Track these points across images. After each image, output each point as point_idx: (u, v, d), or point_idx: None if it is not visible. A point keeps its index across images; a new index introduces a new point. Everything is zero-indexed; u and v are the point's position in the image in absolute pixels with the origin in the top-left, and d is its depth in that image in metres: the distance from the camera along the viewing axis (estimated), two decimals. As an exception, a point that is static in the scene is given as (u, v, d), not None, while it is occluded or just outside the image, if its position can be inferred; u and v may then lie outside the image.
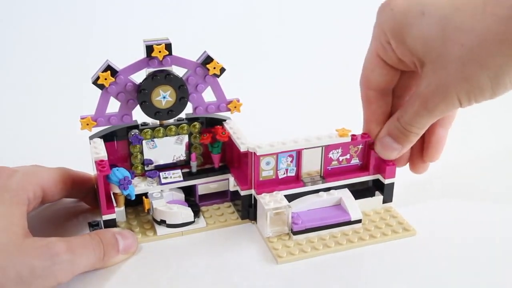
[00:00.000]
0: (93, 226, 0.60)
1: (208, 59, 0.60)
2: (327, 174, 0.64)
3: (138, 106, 0.60)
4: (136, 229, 0.62)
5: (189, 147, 0.65)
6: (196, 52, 0.62)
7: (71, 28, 1.08)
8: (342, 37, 1.14)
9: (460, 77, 0.50)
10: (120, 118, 0.61)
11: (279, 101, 0.95)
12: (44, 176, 0.58)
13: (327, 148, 0.63)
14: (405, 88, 0.62)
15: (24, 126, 0.87)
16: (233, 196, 0.66)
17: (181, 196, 0.64)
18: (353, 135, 0.63)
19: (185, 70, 0.61)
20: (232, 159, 0.65)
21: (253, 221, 0.64)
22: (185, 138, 0.64)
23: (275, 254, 0.58)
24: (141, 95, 0.59)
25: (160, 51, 0.57)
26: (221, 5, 1.16)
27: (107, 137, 0.61)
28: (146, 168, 0.64)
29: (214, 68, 0.61)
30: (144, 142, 0.63)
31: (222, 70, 0.61)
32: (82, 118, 0.60)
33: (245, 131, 0.63)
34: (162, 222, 0.61)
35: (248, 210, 0.63)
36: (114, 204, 0.60)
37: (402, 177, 0.66)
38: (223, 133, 0.63)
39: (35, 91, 0.96)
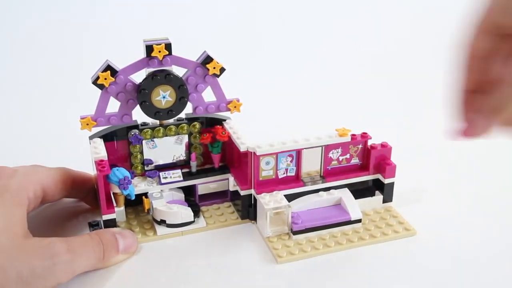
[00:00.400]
0: (93, 226, 0.60)
1: (208, 59, 0.60)
2: (327, 173, 0.64)
3: (138, 106, 0.60)
4: (136, 229, 0.62)
5: (189, 147, 0.65)
6: (196, 52, 0.62)
7: (71, 28, 1.08)
8: (342, 37, 1.14)
9: None
10: (120, 118, 0.61)
11: (279, 101, 0.95)
12: (44, 176, 0.58)
13: (327, 148, 0.63)
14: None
15: (24, 126, 0.87)
16: (233, 196, 0.66)
17: (181, 196, 0.64)
18: (353, 135, 0.63)
19: (185, 70, 0.61)
20: (232, 159, 0.65)
21: (253, 221, 0.64)
22: (185, 138, 0.64)
23: (275, 254, 0.58)
24: (141, 95, 0.59)
25: (160, 51, 0.57)
26: (221, 5, 1.16)
27: (107, 137, 0.62)
28: (146, 168, 0.64)
29: (214, 68, 0.61)
30: (144, 142, 0.63)
31: (222, 70, 0.61)
32: (82, 118, 0.60)
33: (245, 131, 0.63)
34: (162, 222, 0.61)
35: (248, 210, 0.63)
36: (114, 204, 0.60)
37: (402, 177, 0.66)
38: (223, 133, 0.63)
39: (35, 91, 0.96)
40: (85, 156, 0.62)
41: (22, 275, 0.48)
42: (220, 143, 0.64)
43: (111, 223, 0.59)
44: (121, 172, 0.58)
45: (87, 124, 0.60)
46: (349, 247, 0.60)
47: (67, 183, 0.60)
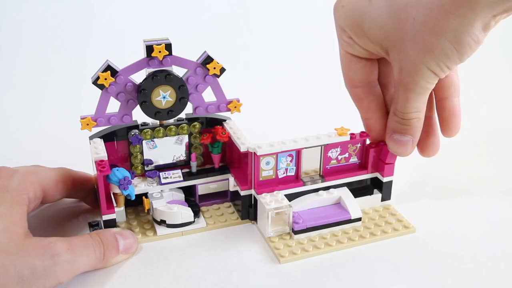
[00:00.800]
0: (93, 226, 0.60)
1: (208, 59, 0.60)
2: (327, 173, 0.65)
3: (138, 106, 0.60)
4: (136, 229, 0.62)
5: (189, 147, 0.65)
6: (196, 52, 0.62)
7: (71, 28, 1.08)
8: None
9: (423, 50, 0.50)
10: (120, 118, 0.61)
11: (279, 101, 0.95)
12: (45, 176, 0.58)
13: (326, 147, 0.63)
14: (388, 75, 0.62)
15: (24, 126, 0.87)
16: (233, 196, 0.66)
17: (181, 196, 0.64)
18: (351, 134, 0.63)
19: (185, 70, 0.61)
20: (232, 159, 0.65)
21: (253, 221, 0.64)
22: (185, 138, 0.64)
23: (277, 253, 0.58)
24: (141, 95, 0.59)
25: (160, 51, 0.58)
26: (221, 5, 1.16)
27: (107, 137, 0.62)
28: (146, 168, 0.64)
29: (214, 68, 0.61)
30: (144, 142, 0.63)
31: (222, 70, 0.61)
32: (82, 118, 0.60)
33: (245, 131, 0.63)
34: (162, 222, 0.61)
35: (248, 210, 0.63)
36: (114, 204, 0.60)
37: (400, 175, 0.66)
38: (223, 133, 0.63)
39: (35, 91, 0.96)
40: (85, 156, 0.62)
41: (22, 275, 0.48)
42: (220, 143, 0.64)
43: (111, 223, 0.59)
44: (121, 172, 0.58)
45: (87, 124, 0.60)
46: (350, 246, 0.60)
47: (67, 183, 0.60)
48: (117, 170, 0.58)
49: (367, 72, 0.60)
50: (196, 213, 0.63)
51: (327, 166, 0.64)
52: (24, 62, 1.02)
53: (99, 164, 0.57)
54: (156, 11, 1.13)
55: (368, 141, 0.65)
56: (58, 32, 1.07)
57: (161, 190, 0.63)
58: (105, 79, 0.58)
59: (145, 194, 0.63)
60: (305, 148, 0.62)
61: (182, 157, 0.65)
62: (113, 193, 0.60)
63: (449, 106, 0.60)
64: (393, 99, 0.59)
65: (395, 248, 0.60)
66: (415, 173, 0.74)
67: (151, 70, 0.59)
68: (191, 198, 0.65)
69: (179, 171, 0.64)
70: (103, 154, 0.58)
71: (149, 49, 0.57)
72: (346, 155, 0.64)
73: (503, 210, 0.66)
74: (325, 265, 0.57)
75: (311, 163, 0.64)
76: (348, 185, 0.65)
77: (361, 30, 0.54)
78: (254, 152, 0.60)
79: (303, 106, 0.94)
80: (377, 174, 0.66)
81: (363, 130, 0.64)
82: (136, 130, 0.62)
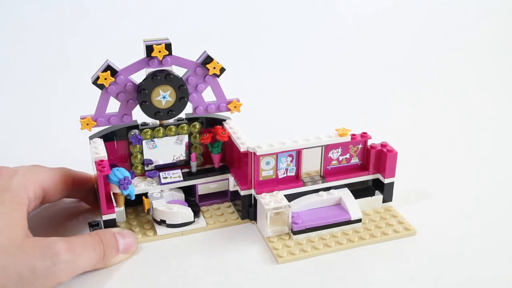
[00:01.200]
0: (93, 226, 0.60)
1: (208, 59, 0.60)
2: (327, 173, 0.64)
3: (138, 106, 0.60)
4: (136, 229, 0.62)
5: (189, 147, 0.65)
6: (196, 52, 0.62)
7: (71, 27, 1.08)
8: (342, 37, 1.14)
9: None
10: (120, 118, 0.61)
11: (279, 101, 0.95)
12: (45, 176, 0.58)
13: (327, 148, 0.63)
14: None
15: (24, 126, 0.87)
16: (233, 196, 0.66)
17: (181, 196, 0.64)
18: (353, 135, 0.63)
19: (185, 70, 0.61)
20: (232, 159, 0.65)
21: (253, 221, 0.64)
22: (185, 138, 0.64)
23: (275, 254, 0.58)
24: (141, 95, 0.59)
25: (160, 51, 0.58)
26: (221, 4, 1.16)
27: (107, 137, 0.62)
28: (146, 168, 0.64)
29: (214, 68, 0.61)
30: (144, 142, 0.63)
31: (222, 70, 0.61)
32: (82, 118, 0.60)
33: (245, 131, 0.63)
34: (162, 222, 0.61)
35: (248, 210, 0.63)
36: (114, 204, 0.60)
37: (402, 176, 0.66)
38: (223, 133, 0.63)
39: (35, 91, 0.96)
40: (85, 156, 0.62)
41: (22, 275, 0.48)
42: (220, 143, 0.64)
43: (111, 223, 0.59)
44: (121, 172, 0.58)
45: (87, 124, 0.60)
46: (349, 247, 0.60)
47: (67, 183, 0.60)
48: (117, 170, 0.58)
49: None
50: (196, 213, 0.63)
51: (327, 167, 0.64)
52: (24, 62, 1.02)
53: (99, 164, 0.57)
54: (156, 11, 1.13)
55: (369, 142, 0.64)
56: (57, 31, 1.07)
57: (161, 190, 0.63)
58: (105, 79, 0.58)
59: (145, 194, 0.62)
60: (305, 148, 0.62)
61: (182, 157, 0.65)
62: (113, 193, 0.60)
63: None
64: None
65: (394, 250, 0.59)
66: (418, 174, 0.73)
67: (151, 70, 0.59)
68: (191, 198, 0.65)
69: (179, 171, 0.64)
70: (103, 154, 0.58)
71: (149, 49, 0.57)
72: (347, 156, 0.64)
73: (505, 214, 0.66)
74: (324, 266, 0.57)
75: (311, 163, 0.64)
76: (349, 186, 0.65)
77: None
78: (254, 152, 0.60)
79: (304, 106, 0.94)
80: (378, 176, 0.66)
81: (364, 131, 0.64)
82: (136, 130, 0.62)
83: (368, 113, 0.91)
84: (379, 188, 0.66)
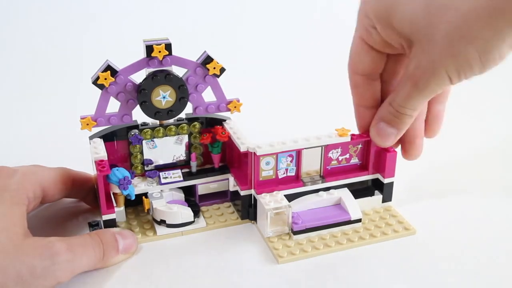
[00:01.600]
0: (93, 226, 0.60)
1: (208, 59, 0.60)
2: (327, 173, 0.64)
3: (138, 106, 0.60)
4: (136, 229, 0.62)
5: (189, 147, 0.65)
6: (196, 52, 0.62)
7: (71, 28, 1.08)
8: (342, 37, 1.14)
9: (448, 54, 0.49)
10: (120, 118, 0.61)
11: (279, 101, 0.95)
12: (44, 176, 0.58)
13: (327, 148, 0.63)
14: (392, 73, 0.61)
15: (24, 126, 0.87)
16: (233, 196, 0.66)
17: (181, 196, 0.64)
18: (352, 135, 0.63)
19: (185, 70, 0.61)
20: (232, 159, 0.65)
21: (253, 221, 0.64)
22: (185, 138, 0.64)
23: (275, 254, 0.58)
24: (141, 95, 0.59)
25: (160, 51, 0.58)
26: (221, 5, 1.16)
27: (107, 137, 0.62)
28: (146, 168, 0.64)
29: (214, 68, 0.61)
30: (144, 142, 0.63)
31: (222, 70, 0.61)
32: (82, 118, 0.60)
33: (245, 131, 0.63)
34: (162, 222, 0.61)
35: (248, 210, 0.63)
36: (114, 204, 0.60)
37: (401, 176, 0.66)
38: (223, 133, 0.63)
39: (35, 91, 0.96)
40: (85, 156, 0.62)
41: (21, 275, 0.48)
42: (220, 143, 0.64)
43: (111, 223, 0.59)
44: (121, 172, 0.58)
45: (87, 124, 0.60)
46: (349, 247, 0.60)
47: (67, 183, 0.60)
48: (117, 170, 0.58)
49: (374, 64, 0.59)
50: (196, 213, 0.63)
51: (327, 167, 0.64)
52: (24, 62, 1.02)
53: (99, 164, 0.57)
54: (156, 11, 1.13)
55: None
56: (58, 32, 1.07)
57: (161, 190, 0.63)
58: (105, 79, 0.58)
59: (145, 194, 0.62)
60: (305, 148, 0.62)
61: (182, 157, 0.65)
62: (113, 193, 0.60)
63: (435, 110, 0.62)
64: (393, 90, 0.59)
65: (394, 250, 0.59)
66: (417, 174, 0.73)
67: (151, 70, 0.59)
68: (191, 198, 0.65)
69: (179, 171, 0.64)
70: (103, 154, 0.58)
71: (149, 49, 0.57)
72: (347, 156, 0.64)
73: (504, 213, 0.66)
74: (323, 266, 0.57)
75: (311, 163, 0.64)
76: (349, 186, 0.65)
77: (389, 20, 0.53)
78: (254, 152, 0.60)
79: (304, 106, 0.94)
80: (378, 175, 0.66)
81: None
82: (136, 130, 0.62)
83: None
84: (379, 188, 0.66)
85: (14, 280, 0.48)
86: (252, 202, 0.63)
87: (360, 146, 0.64)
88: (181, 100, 0.61)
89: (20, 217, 0.52)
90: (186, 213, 0.62)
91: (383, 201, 0.66)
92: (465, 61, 0.49)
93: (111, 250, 0.56)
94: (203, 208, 0.65)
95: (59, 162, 0.63)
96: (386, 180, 0.65)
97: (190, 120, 0.64)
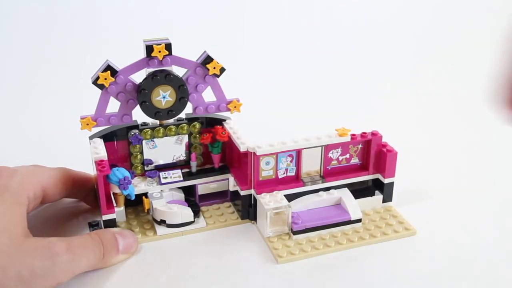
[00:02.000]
0: (93, 226, 0.60)
1: (208, 59, 0.60)
2: (327, 173, 0.64)
3: (138, 106, 0.60)
4: (136, 229, 0.62)
5: (189, 147, 0.65)
6: (196, 52, 0.62)
7: (71, 28, 1.08)
8: (343, 38, 1.14)
9: None
10: (120, 118, 0.61)
11: (279, 101, 0.95)
12: (44, 176, 0.58)
13: (327, 148, 0.63)
14: None
15: (24, 126, 0.87)
16: (233, 196, 0.66)
17: (181, 196, 0.64)
18: (352, 135, 0.63)
19: (185, 70, 0.61)
20: (232, 159, 0.65)
21: (253, 221, 0.64)
22: (185, 138, 0.64)
23: (275, 254, 0.58)
24: (141, 95, 0.59)
25: (160, 51, 0.58)
26: (221, 5, 1.16)
27: (107, 137, 0.62)
28: (146, 168, 0.64)
29: (214, 68, 0.61)
30: (144, 142, 0.63)
31: (222, 70, 0.61)
32: (82, 118, 0.60)
33: (245, 131, 0.63)
34: (162, 222, 0.61)
35: (248, 210, 0.63)
36: (114, 204, 0.60)
37: (402, 177, 0.66)
38: (223, 133, 0.63)
39: (35, 91, 0.96)
40: (85, 156, 0.62)
41: (21, 275, 0.48)
42: (220, 143, 0.64)
43: (111, 223, 0.59)
44: (121, 172, 0.58)
45: (87, 124, 0.60)
46: (349, 247, 0.60)
47: (67, 183, 0.60)
48: (117, 170, 0.58)
49: None
50: (196, 213, 0.63)
51: (327, 167, 0.64)
52: (24, 62, 1.02)
53: (99, 164, 0.57)
54: (156, 11, 1.13)
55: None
56: (57, 32, 1.07)
57: (161, 190, 0.63)
58: (105, 79, 0.58)
59: (145, 194, 0.62)
60: (305, 148, 0.62)
61: (182, 157, 0.65)
62: (113, 193, 0.60)
63: None
64: None
65: (394, 250, 0.59)
66: (417, 174, 0.73)
67: (151, 70, 0.59)
68: (191, 198, 0.65)
69: (179, 171, 0.64)
70: (103, 154, 0.58)
71: (149, 49, 0.57)
72: (347, 156, 0.64)
73: (505, 213, 0.66)
74: (323, 266, 0.57)
75: (311, 163, 0.64)
76: (349, 186, 0.65)
77: None
78: (253, 152, 0.60)
79: (304, 106, 0.94)
80: (378, 176, 0.66)
81: (364, 131, 0.64)
82: (136, 130, 0.62)
83: (368, 113, 0.91)
84: (379, 188, 0.66)
85: (14, 280, 0.48)
86: (252, 202, 0.63)
87: (360, 146, 0.64)
88: (181, 100, 0.61)
89: (20, 217, 0.52)
90: (186, 213, 0.62)
91: (384, 201, 0.66)
92: None
93: (111, 250, 0.56)
94: (203, 208, 0.65)
95: (59, 162, 0.63)
96: (386, 180, 0.65)
97: (190, 120, 0.64)
